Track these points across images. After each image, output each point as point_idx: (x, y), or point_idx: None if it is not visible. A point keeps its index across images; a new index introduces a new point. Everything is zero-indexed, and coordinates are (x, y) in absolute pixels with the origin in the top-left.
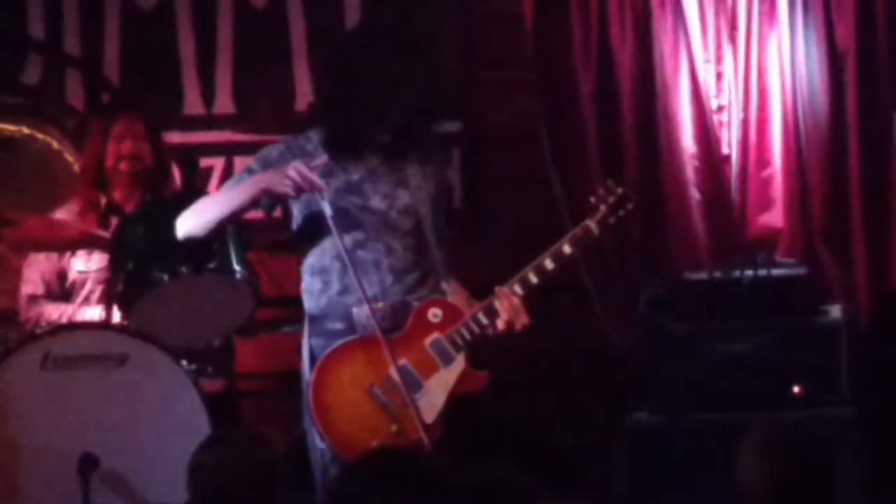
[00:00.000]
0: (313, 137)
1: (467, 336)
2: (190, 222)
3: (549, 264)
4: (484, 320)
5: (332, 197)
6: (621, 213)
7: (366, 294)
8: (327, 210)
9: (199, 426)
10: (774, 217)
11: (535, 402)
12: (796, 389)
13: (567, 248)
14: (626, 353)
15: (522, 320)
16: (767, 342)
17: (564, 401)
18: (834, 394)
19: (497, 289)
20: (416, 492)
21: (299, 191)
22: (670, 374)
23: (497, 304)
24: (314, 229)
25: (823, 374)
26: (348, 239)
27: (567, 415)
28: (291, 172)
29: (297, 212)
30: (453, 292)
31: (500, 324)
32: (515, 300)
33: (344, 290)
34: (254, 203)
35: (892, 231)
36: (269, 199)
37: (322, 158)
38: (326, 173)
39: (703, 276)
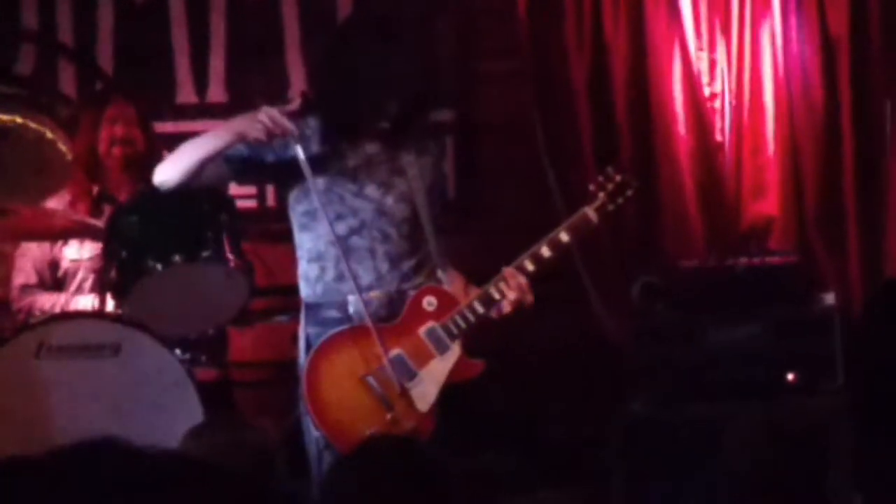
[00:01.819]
0: (311, 123)
1: (462, 324)
2: (166, 170)
3: (546, 252)
4: (480, 308)
5: (328, 184)
6: (620, 200)
7: (357, 282)
8: (299, 154)
9: (193, 415)
10: (768, 205)
11: (529, 391)
12: (790, 377)
13: (565, 236)
14: (620, 343)
15: (529, 299)
16: (761, 330)
17: (558, 391)
18: (828, 382)
19: (505, 269)
20: (410, 481)
21: (270, 135)
22: (665, 363)
23: (494, 290)
24: (287, 171)
25: (817, 362)
26: (343, 226)
27: (561, 405)
28: (262, 117)
29: (273, 159)
30: (451, 281)
31: (507, 305)
32: (523, 280)
33: (339, 277)
34: (228, 148)
35: (885, 219)
36: (247, 146)
37: (294, 103)
38: (322, 159)
39: (697, 264)
